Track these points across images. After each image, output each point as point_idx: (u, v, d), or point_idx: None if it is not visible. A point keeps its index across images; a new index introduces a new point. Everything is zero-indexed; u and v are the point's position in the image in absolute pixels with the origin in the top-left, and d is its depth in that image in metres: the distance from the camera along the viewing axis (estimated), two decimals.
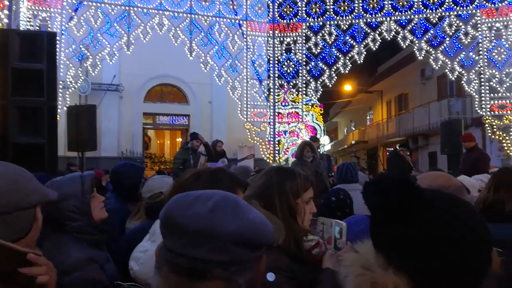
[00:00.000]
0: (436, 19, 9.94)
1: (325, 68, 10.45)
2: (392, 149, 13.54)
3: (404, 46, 10.53)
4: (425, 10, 9.99)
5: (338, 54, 10.30)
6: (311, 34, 10.55)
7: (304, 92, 10.80)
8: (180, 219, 0.81)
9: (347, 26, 10.28)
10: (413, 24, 9.95)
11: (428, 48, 9.92)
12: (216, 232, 0.79)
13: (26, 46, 4.16)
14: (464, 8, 9.84)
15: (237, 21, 10.46)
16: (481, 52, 9.75)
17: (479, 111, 9.99)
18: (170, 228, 0.83)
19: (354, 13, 10.23)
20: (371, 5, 10.20)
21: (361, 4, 10.22)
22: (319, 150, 7.41)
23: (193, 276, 0.79)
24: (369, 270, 0.86)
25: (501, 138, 9.79)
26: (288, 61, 10.77)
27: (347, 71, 10.43)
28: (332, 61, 10.35)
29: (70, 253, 1.83)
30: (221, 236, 0.79)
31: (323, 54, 10.42)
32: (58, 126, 4.65)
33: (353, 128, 32.09)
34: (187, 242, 0.80)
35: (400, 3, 10.10)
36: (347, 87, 25.71)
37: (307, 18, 10.60)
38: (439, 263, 0.82)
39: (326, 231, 1.66)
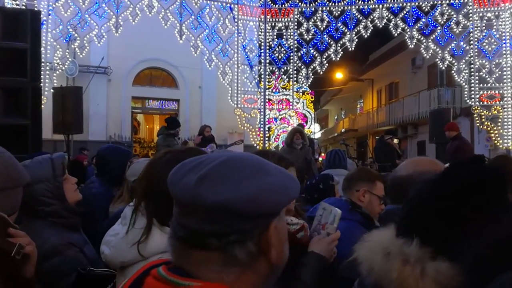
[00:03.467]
0: (428, 7, 9.90)
1: (317, 54, 10.38)
2: (378, 137, 13.61)
3: (396, 34, 10.49)
4: None
5: (329, 40, 10.23)
6: (303, 20, 10.46)
7: (295, 79, 10.74)
8: (173, 189, 0.80)
9: (339, 12, 10.20)
10: (405, 12, 9.90)
11: (419, 36, 9.91)
12: (200, 203, 0.76)
13: (9, 25, 4.03)
14: None
15: (228, 5, 10.31)
16: (471, 42, 9.76)
17: (468, 101, 10.04)
18: (172, 196, 0.82)
19: (346, 0, 10.14)
20: None
21: None
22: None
23: (191, 244, 0.78)
24: (408, 258, 0.85)
25: (489, 129, 9.87)
26: (280, 47, 10.67)
27: (338, 59, 10.38)
28: (324, 47, 10.29)
29: (47, 238, 1.79)
30: (206, 206, 0.75)
31: (315, 41, 10.34)
32: (45, 108, 4.56)
33: (344, 116, 32.18)
34: (181, 211, 0.80)
35: None
36: (338, 74, 25.68)
37: (299, 4, 10.49)
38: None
39: (325, 216, 1.66)
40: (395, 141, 10.80)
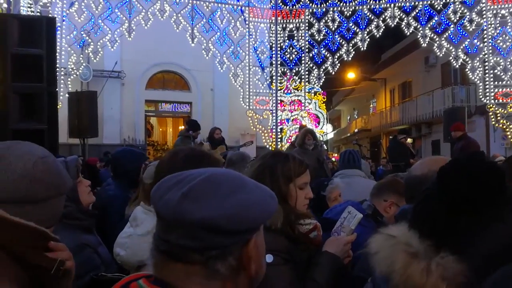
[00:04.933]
0: (441, 5, 9.81)
1: (328, 55, 10.35)
2: (391, 137, 13.50)
3: (408, 33, 10.40)
4: None
5: (341, 41, 10.19)
6: (314, 21, 10.44)
7: (307, 79, 10.72)
8: (156, 205, 0.83)
9: (350, 12, 10.15)
10: (417, 10, 9.81)
11: (432, 35, 9.81)
12: (182, 220, 0.78)
13: (25, 31, 4.12)
14: None
15: (239, 7, 10.35)
16: (485, 40, 9.63)
17: (483, 99, 9.90)
18: (155, 210, 0.85)
19: (358, 0, 10.10)
20: None
21: None
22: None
23: (174, 258, 0.81)
24: (417, 256, 0.86)
25: (504, 127, 9.72)
26: (291, 48, 10.67)
27: (350, 59, 10.34)
28: (335, 48, 10.25)
29: (61, 240, 1.82)
30: (187, 223, 0.78)
31: (326, 41, 10.31)
32: (60, 113, 4.64)
33: (356, 116, 31.98)
34: (162, 226, 0.83)
35: None
36: (350, 74, 25.53)
37: (310, 4, 10.48)
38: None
39: (348, 219, 1.68)
40: (409, 140, 10.71)
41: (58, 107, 4.65)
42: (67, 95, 8.53)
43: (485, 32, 9.62)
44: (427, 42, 9.88)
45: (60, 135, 4.64)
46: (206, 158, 1.65)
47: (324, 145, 12.89)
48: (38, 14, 8.25)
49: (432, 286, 0.83)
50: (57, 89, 4.64)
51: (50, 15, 7.75)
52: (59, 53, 8.60)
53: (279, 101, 11.00)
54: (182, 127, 16.87)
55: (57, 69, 7.41)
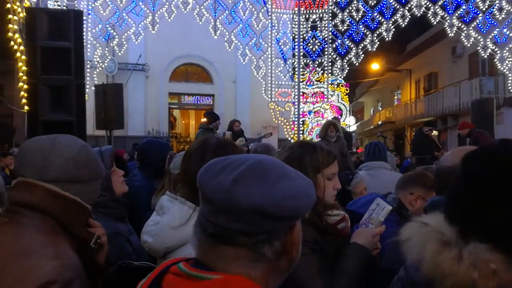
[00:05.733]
0: None
1: (352, 46, 10.22)
2: (417, 129, 13.27)
3: (435, 23, 10.14)
4: None
5: (365, 31, 10.04)
6: (338, 11, 10.30)
7: (330, 71, 10.62)
8: (205, 189, 0.85)
9: (375, 2, 9.97)
10: None
11: (459, 24, 9.56)
12: (235, 204, 0.80)
13: (54, 25, 4.21)
14: None
15: None
16: None
17: None
18: (201, 194, 0.87)
19: None
20: None
21: None
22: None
23: (220, 240, 0.83)
24: (449, 244, 0.86)
25: None
26: (314, 39, 10.57)
27: (374, 49, 10.17)
28: (359, 38, 10.11)
29: None
30: (240, 207, 0.80)
31: (350, 31, 10.17)
32: (87, 105, 4.74)
33: (380, 108, 31.51)
34: (212, 209, 0.84)
35: None
36: (375, 65, 25.10)
37: None
38: None
39: (376, 211, 1.68)
40: (434, 133, 10.49)
41: (85, 99, 4.75)
42: (93, 87, 8.69)
43: None
44: (454, 31, 9.63)
45: (87, 127, 4.75)
46: (234, 148, 1.67)
47: (356, 137, 12.76)
48: (65, 7, 8.40)
49: (464, 274, 0.82)
50: (84, 82, 4.73)
51: (76, 9, 7.88)
52: (85, 46, 8.77)
53: (301, 93, 10.94)
54: (204, 120, 16.98)
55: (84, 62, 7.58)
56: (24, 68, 5.01)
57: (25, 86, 4.59)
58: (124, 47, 9.96)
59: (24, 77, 4.77)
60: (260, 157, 0.90)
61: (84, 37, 8.59)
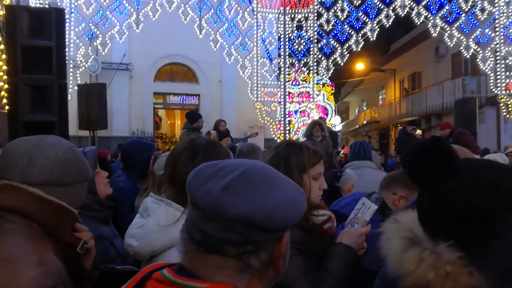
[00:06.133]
0: None
1: (337, 45, 10.27)
2: (401, 128, 13.41)
3: (418, 23, 10.27)
4: None
5: (350, 31, 10.10)
6: (323, 11, 10.34)
7: (315, 71, 10.65)
8: (194, 194, 0.82)
9: (360, 2, 10.03)
10: None
11: (442, 24, 9.68)
12: (223, 213, 0.78)
13: (34, 23, 4.13)
14: None
15: None
16: (497, 29, 9.49)
17: (494, 90, 9.79)
18: (189, 199, 0.85)
19: None
20: None
21: None
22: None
23: (206, 248, 0.81)
24: (415, 243, 0.84)
25: None
26: (299, 39, 10.59)
27: (359, 49, 10.24)
28: (344, 38, 10.16)
29: None
30: (228, 216, 0.78)
31: (335, 31, 10.22)
32: (69, 105, 4.66)
33: (365, 108, 31.77)
34: (200, 215, 0.82)
35: None
36: (359, 65, 25.29)
37: None
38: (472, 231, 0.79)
39: (362, 211, 1.67)
40: (418, 132, 10.60)
41: (68, 99, 4.66)
42: (76, 87, 8.56)
43: (497, 21, 9.47)
44: (437, 31, 9.75)
45: (70, 127, 4.66)
46: (221, 148, 1.65)
47: (341, 137, 12.82)
48: (47, 6, 8.26)
49: (421, 274, 0.81)
50: (66, 81, 4.65)
51: (59, 7, 7.74)
52: (68, 45, 8.62)
53: (287, 93, 10.95)
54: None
55: (66, 62, 7.46)
56: (4, 67, 4.89)
57: (6, 86, 4.49)
58: (107, 46, 9.82)
59: (5, 77, 4.66)
60: (253, 164, 0.88)
61: (67, 36, 8.47)
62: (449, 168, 0.85)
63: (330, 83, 15.61)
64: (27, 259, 1.07)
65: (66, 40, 8.08)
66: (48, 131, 4.03)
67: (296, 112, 12.28)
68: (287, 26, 10.54)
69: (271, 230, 0.81)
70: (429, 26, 9.81)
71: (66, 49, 7.60)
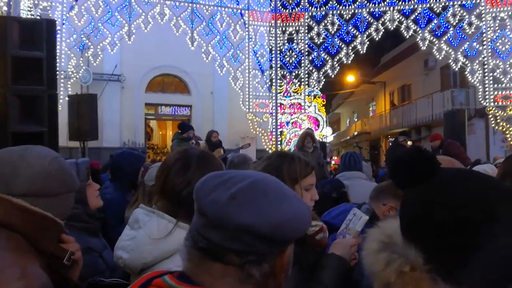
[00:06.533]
0: (440, 8, 9.83)
1: (328, 58, 10.37)
2: (393, 139, 13.51)
3: (407, 36, 10.42)
4: None
5: (340, 44, 10.21)
6: (314, 24, 10.46)
7: (306, 82, 10.74)
8: (201, 202, 0.83)
9: (350, 15, 10.18)
10: (416, 13, 9.84)
11: (431, 38, 9.83)
12: (229, 222, 0.79)
13: (25, 34, 4.11)
14: None
15: (238, 11, 10.38)
16: (485, 42, 9.65)
17: (482, 102, 9.91)
18: (196, 206, 0.85)
19: (357, 3, 10.12)
20: None
21: None
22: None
23: (209, 256, 0.82)
24: (388, 246, 0.85)
25: (504, 129, 9.73)
26: (290, 51, 10.69)
27: (349, 62, 10.36)
28: (335, 51, 10.27)
29: None
30: (234, 226, 0.79)
31: (326, 44, 10.33)
32: (60, 116, 4.62)
33: (356, 119, 31.99)
34: (206, 223, 0.82)
35: None
36: (350, 77, 25.56)
37: (310, 8, 10.50)
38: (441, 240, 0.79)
39: (353, 221, 1.67)
40: (409, 143, 10.68)
41: (58, 110, 4.63)
42: (67, 98, 8.52)
43: (484, 35, 9.64)
44: (426, 45, 9.90)
45: (60, 138, 4.62)
46: (214, 160, 1.64)
47: (330, 148, 12.87)
48: (38, 17, 8.25)
49: (386, 276, 0.82)
50: (57, 92, 4.62)
51: (50, 18, 7.74)
52: (59, 56, 8.61)
53: (278, 104, 11.00)
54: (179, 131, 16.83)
55: (57, 73, 7.43)
56: None
57: None
58: (99, 57, 9.81)
59: None
60: (261, 176, 0.89)
61: (58, 47, 8.47)
62: (431, 177, 0.85)
63: (321, 94, 15.72)
64: (9, 272, 1.04)
65: (58, 51, 8.10)
66: (37, 142, 4.00)
67: (287, 123, 12.32)
68: (278, 38, 10.63)
69: (277, 241, 0.82)
70: (418, 39, 9.96)
71: (57, 60, 7.62)
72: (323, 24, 10.37)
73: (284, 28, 10.68)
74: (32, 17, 8.19)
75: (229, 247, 0.80)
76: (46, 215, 1.19)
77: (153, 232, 1.48)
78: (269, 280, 0.84)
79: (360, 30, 10.08)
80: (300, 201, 0.87)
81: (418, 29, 9.85)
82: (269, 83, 10.84)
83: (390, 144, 16.55)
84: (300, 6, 10.58)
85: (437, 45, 9.82)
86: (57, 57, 5.98)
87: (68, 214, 1.36)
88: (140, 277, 0.89)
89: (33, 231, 1.15)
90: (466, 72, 10.00)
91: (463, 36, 9.72)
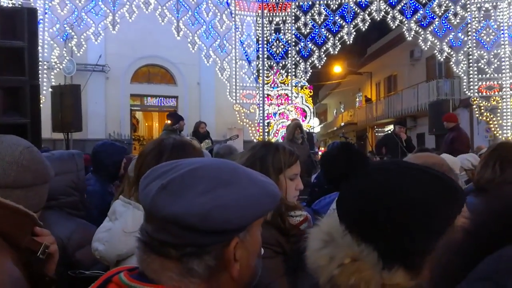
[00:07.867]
0: None
1: (315, 48, 10.36)
2: (376, 130, 13.61)
3: (394, 27, 10.45)
4: None
5: (327, 34, 10.20)
6: (301, 14, 10.41)
7: (294, 73, 10.72)
8: (140, 194, 0.82)
9: (336, 5, 10.16)
10: (402, 4, 9.85)
11: (417, 28, 9.87)
12: (156, 213, 0.77)
13: (6, 23, 4.00)
14: None
15: (225, 0, 10.27)
16: (470, 33, 9.73)
17: (467, 92, 10.03)
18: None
19: None
20: None
21: None
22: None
23: (150, 249, 0.80)
24: (329, 243, 0.86)
25: (488, 120, 9.86)
26: (277, 42, 10.64)
27: (336, 52, 10.36)
28: (322, 41, 10.26)
29: (74, 228, 1.86)
30: (161, 217, 0.76)
31: (313, 35, 10.31)
32: (44, 108, 4.55)
33: (343, 110, 32.15)
34: (144, 216, 0.82)
35: None
36: (337, 68, 25.63)
37: None
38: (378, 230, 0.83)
39: None
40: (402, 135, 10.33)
41: (41, 101, 4.54)
42: (50, 89, 8.37)
43: (469, 25, 9.72)
44: (412, 35, 9.94)
45: (44, 130, 4.54)
46: (193, 149, 1.61)
47: (316, 138, 12.91)
48: (20, 6, 8.05)
49: (329, 271, 0.83)
50: (39, 82, 4.53)
51: (31, 6, 7.56)
52: (42, 46, 8.44)
53: (266, 95, 10.97)
54: (169, 122, 16.73)
55: (40, 63, 7.29)
56: None
57: None
58: (83, 47, 9.64)
59: None
60: (207, 162, 0.84)
61: (41, 37, 8.30)
62: (360, 170, 0.89)
63: (308, 85, 15.74)
64: None
65: (40, 41, 7.94)
66: (20, 133, 3.91)
67: (275, 114, 12.32)
68: (265, 28, 10.57)
69: (208, 232, 0.75)
70: (404, 29, 9.99)
71: (40, 50, 7.46)
72: (310, 14, 10.33)
73: (271, 18, 10.61)
74: (13, 5, 7.98)
75: (162, 239, 0.77)
76: (18, 208, 1.13)
77: (128, 223, 1.47)
78: (220, 274, 0.79)
79: (347, 21, 10.08)
80: (257, 187, 0.80)
81: (404, 20, 9.89)
82: (256, 73, 10.79)
83: (375, 133, 16.63)
84: None
85: (422, 35, 9.87)
86: (39, 47, 5.87)
87: (43, 205, 1.32)
88: (108, 271, 0.88)
89: (4, 225, 1.09)
90: (451, 63, 10.09)
91: (448, 26, 9.78)
